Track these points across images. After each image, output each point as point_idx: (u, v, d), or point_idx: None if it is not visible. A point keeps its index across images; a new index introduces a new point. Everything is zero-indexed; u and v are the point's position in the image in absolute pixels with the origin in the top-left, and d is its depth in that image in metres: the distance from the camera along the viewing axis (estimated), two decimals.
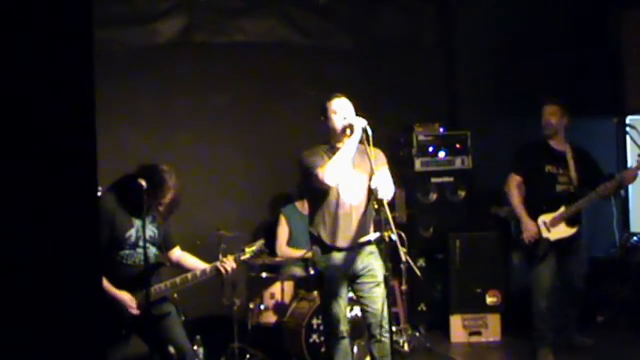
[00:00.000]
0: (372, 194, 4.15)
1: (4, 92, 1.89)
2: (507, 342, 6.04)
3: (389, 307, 4.04)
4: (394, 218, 3.98)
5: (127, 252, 4.13)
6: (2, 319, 1.88)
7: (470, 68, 7.01)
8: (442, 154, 6.54)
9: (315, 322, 5.17)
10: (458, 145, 6.55)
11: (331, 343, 4.39)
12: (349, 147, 4.13)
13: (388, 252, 3.94)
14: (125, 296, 4.08)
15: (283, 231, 6.02)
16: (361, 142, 4.10)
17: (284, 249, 5.97)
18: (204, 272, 4.29)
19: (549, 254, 5.21)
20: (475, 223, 6.50)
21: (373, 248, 4.28)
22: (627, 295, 6.43)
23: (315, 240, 4.35)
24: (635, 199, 6.71)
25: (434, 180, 6.55)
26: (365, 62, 6.82)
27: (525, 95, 6.88)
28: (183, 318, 5.21)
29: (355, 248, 4.22)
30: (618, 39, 7.24)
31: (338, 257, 4.21)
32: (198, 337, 5.30)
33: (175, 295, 5.11)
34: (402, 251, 4.09)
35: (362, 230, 4.24)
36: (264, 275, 5.59)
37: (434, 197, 6.55)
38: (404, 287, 5.80)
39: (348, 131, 4.16)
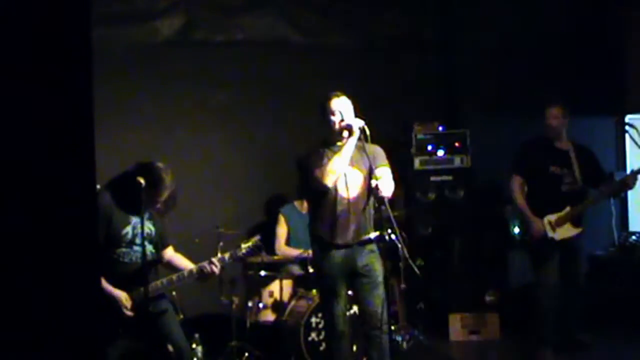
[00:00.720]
0: (371, 191, 4.15)
1: (2, 91, 1.88)
2: (505, 340, 6.04)
3: (388, 306, 4.04)
4: (393, 216, 3.98)
5: (124, 249, 4.13)
6: (1, 318, 1.88)
7: (470, 66, 7.01)
8: (441, 153, 6.54)
9: (314, 320, 5.17)
10: (457, 144, 6.55)
11: (330, 341, 4.38)
12: (346, 148, 4.13)
13: (387, 250, 3.94)
14: (121, 295, 4.08)
15: (282, 230, 6.02)
16: (359, 139, 4.11)
17: (282, 247, 5.96)
18: (190, 272, 4.30)
19: (553, 254, 5.21)
20: (474, 222, 6.50)
21: (373, 247, 4.27)
22: (626, 293, 6.43)
23: (315, 238, 4.36)
24: (633, 198, 6.71)
25: (432, 178, 6.55)
26: (365, 60, 6.82)
27: (524, 93, 6.89)
28: (181, 316, 5.23)
29: (355, 246, 4.21)
30: (618, 39, 7.24)
31: (337, 254, 4.21)
32: (196, 335, 5.30)
33: (174, 293, 5.13)
34: (402, 249, 4.08)
35: (361, 227, 4.23)
36: (263, 273, 5.58)
37: (432, 195, 6.55)
38: (402, 286, 5.80)
39: (346, 132, 4.15)
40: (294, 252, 5.85)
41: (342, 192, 4.20)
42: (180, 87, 6.33)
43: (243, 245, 4.49)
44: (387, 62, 6.89)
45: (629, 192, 6.79)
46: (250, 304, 5.54)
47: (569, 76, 6.80)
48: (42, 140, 1.94)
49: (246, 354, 5.43)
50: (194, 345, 5.22)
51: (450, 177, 6.56)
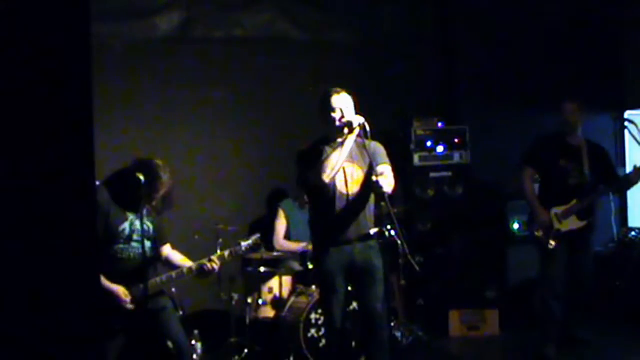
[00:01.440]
0: (371, 188, 4.15)
1: (1, 89, 1.88)
2: (505, 337, 6.05)
3: (387, 302, 4.04)
4: (393, 213, 3.98)
5: (121, 246, 4.14)
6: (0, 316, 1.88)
7: (469, 62, 7.01)
8: (440, 149, 6.53)
9: (313, 316, 5.17)
10: (456, 140, 6.54)
11: (330, 337, 4.38)
12: (346, 145, 4.12)
13: (387, 246, 3.94)
14: (120, 290, 4.09)
15: (281, 225, 6.02)
16: (359, 136, 4.11)
17: (281, 241, 5.97)
18: (190, 270, 4.31)
19: (561, 247, 5.21)
20: (473, 218, 6.50)
21: (373, 243, 4.27)
22: (625, 289, 6.44)
23: (315, 233, 4.36)
24: (633, 194, 6.71)
25: (432, 174, 6.55)
26: (364, 57, 6.81)
27: (523, 90, 6.89)
28: (181, 312, 5.23)
29: (354, 242, 4.21)
30: (617, 37, 7.24)
31: (337, 251, 4.20)
32: (196, 332, 5.30)
33: (174, 290, 5.14)
34: (402, 246, 4.09)
35: (360, 224, 4.22)
36: (262, 269, 5.58)
37: (432, 191, 6.55)
38: (402, 282, 5.80)
39: (346, 130, 4.15)
40: (293, 245, 5.85)
41: (342, 188, 4.20)
42: (180, 83, 6.32)
43: (243, 243, 4.50)
44: (386, 58, 6.88)
45: None
46: (249, 300, 5.54)
47: (569, 73, 6.80)
48: (41, 137, 1.93)
49: (246, 351, 5.43)
50: (193, 342, 5.22)
51: (449, 173, 6.55)
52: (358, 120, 4.10)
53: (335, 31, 6.82)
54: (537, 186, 5.52)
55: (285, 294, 5.55)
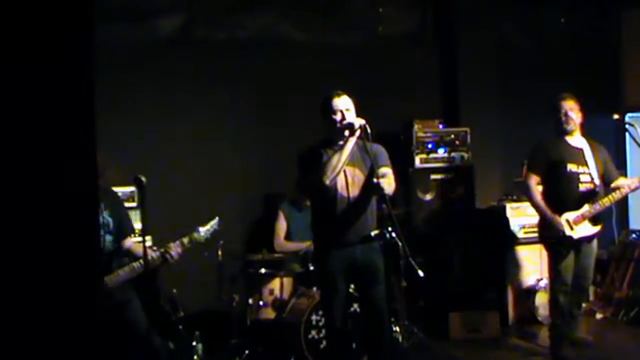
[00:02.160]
0: (372, 189, 4.15)
1: (2, 89, 1.89)
2: (505, 339, 6.04)
3: (389, 303, 4.04)
4: (394, 214, 3.98)
5: None
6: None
7: (470, 64, 7.01)
8: (441, 151, 6.54)
9: (314, 318, 5.17)
10: (457, 142, 6.55)
11: (331, 339, 4.38)
12: (346, 147, 4.12)
13: (388, 248, 3.94)
14: None
15: (281, 226, 6.03)
16: (360, 138, 4.11)
17: (282, 242, 5.98)
18: (152, 259, 4.35)
19: (571, 251, 5.16)
20: (474, 220, 6.50)
21: (374, 244, 4.27)
22: (626, 291, 6.44)
23: (316, 235, 4.37)
24: (634, 196, 6.70)
25: (433, 176, 6.55)
26: (365, 58, 6.82)
27: (524, 91, 6.90)
28: (181, 313, 5.24)
29: (356, 244, 4.21)
30: (618, 38, 7.24)
31: (338, 252, 4.21)
32: (197, 333, 5.30)
33: (174, 290, 5.15)
34: (402, 247, 4.09)
35: (361, 226, 4.22)
36: (263, 271, 5.58)
37: (433, 193, 6.55)
38: (403, 284, 5.80)
39: (347, 132, 4.15)
40: (294, 246, 5.86)
41: (343, 190, 4.20)
42: (181, 85, 6.32)
43: (201, 229, 4.52)
44: (387, 60, 6.89)
45: None
46: (250, 301, 5.54)
47: (569, 74, 6.80)
48: (43, 138, 1.94)
49: (246, 352, 5.43)
50: (194, 343, 5.22)
51: (450, 175, 6.56)
52: (359, 122, 4.10)
53: (336, 33, 6.83)
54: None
55: (286, 295, 5.56)
